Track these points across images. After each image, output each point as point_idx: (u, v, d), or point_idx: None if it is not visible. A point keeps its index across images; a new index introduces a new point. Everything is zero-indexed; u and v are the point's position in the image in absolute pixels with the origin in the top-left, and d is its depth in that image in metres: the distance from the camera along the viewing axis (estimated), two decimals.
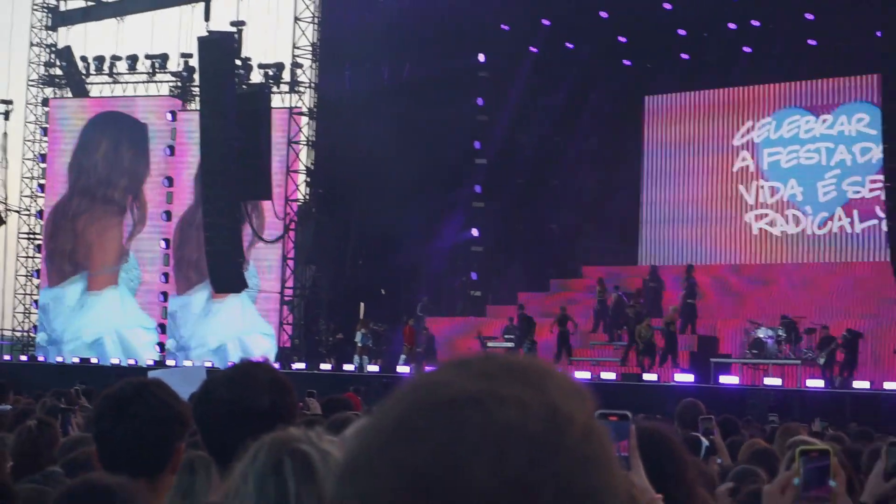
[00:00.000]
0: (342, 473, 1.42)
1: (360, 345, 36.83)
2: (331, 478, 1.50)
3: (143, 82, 46.31)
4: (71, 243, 46.37)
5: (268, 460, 3.12)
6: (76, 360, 43.55)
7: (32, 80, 48.17)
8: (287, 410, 3.84)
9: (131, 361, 41.91)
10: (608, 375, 33.46)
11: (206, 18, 40.56)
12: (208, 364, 38.26)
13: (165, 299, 44.35)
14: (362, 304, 39.63)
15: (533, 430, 1.36)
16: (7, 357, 46.73)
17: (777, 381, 31.08)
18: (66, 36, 48.26)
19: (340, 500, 1.41)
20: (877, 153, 34.06)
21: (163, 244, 44.49)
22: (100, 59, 46.58)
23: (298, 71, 41.74)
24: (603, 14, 39.59)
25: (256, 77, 41.61)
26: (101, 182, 46.04)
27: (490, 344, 36.40)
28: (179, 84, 45.67)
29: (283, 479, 3.08)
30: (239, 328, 42.04)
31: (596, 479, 1.39)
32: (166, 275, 44.38)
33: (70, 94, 47.92)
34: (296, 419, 3.87)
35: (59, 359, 44.49)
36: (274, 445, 3.16)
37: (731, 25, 38.90)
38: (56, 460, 6.67)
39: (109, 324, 44.91)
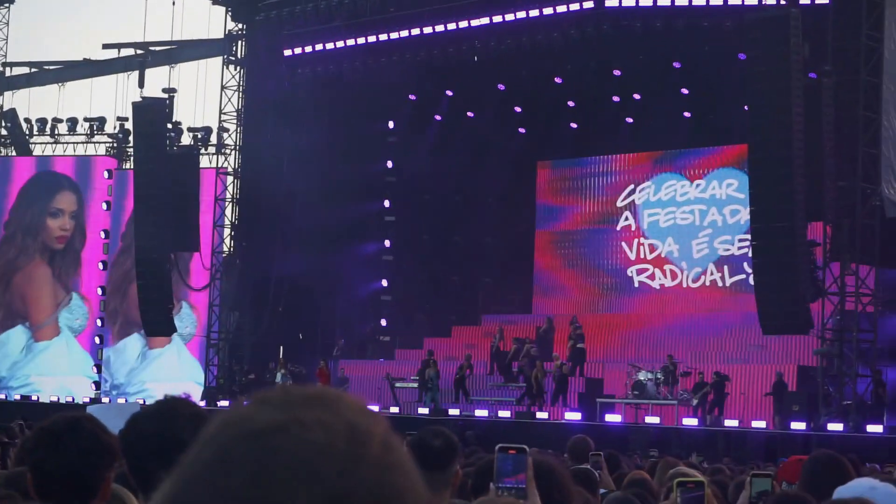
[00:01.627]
0: None
1: (279, 383, 36.57)
2: None
3: (83, 143, 45.99)
4: (7, 294, 45.67)
5: None
6: (17, 396, 42.88)
7: None
8: None
9: (69, 399, 41.34)
10: (504, 414, 33.47)
11: (141, 85, 40.45)
12: (140, 401, 37.77)
13: (102, 342, 43.90)
14: (281, 348, 39.38)
15: (337, 446, 1.37)
16: None
17: (656, 420, 31.24)
18: (11, 99, 47.88)
19: None
20: (744, 215, 34.42)
21: (99, 291, 44.15)
22: (42, 121, 46.18)
23: (225, 134, 41.61)
24: (500, 86, 39.81)
25: (186, 139, 41.45)
26: (34, 231, 45.45)
27: (398, 384, 36.33)
28: (115, 145, 45.42)
29: None
30: (175, 376, 41.62)
31: (400, 483, 1.41)
32: (102, 319, 44.01)
33: (14, 153, 47.45)
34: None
35: (2, 396, 43.78)
36: None
37: (615, 98, 39.27)
38: None
39: (55, 373, 44.17)
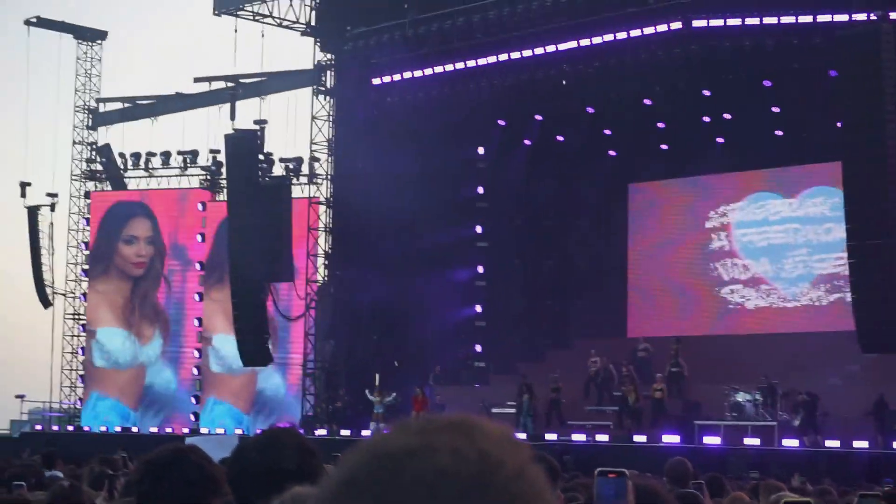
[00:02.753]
0: None
1: (376, 412, 36.63)
2: None
3: (176, 175, 46.54)
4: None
5: None
6: (118, 429, 43.39)
7: (76, 175, 48.50)
8: (313, 472, 3.78)
9: (168, 430, 41.80)
10: (602, 437, 33.30)
11: (232, 118, 40.81)
12: (239, 432, 38.23)
13: (200, 373, 44.30)
14: (377, 375, 39.49)
15: (463, 472, 1.37)
16: (55, 427, 46.71)
17: (756, 441, 30.90)
18: (106, 135, 48.68)
19: None
20: (839, 232, 34.02)
21: (196, 322, 44.56)
22: (136, 156, 46.83)
23: (316, 164, 41.90)
24: (590, 109, 39.73)
25: (278, 170, 41.74)
26: (111, 258, 46.16)
27: (494, 410, 36.23)
28: (208, 177, 45.86)
29: None
30: None
31: None
32: (199, 350, 44.39)
33: (110, 188, 48.12)
34: (321, 480, 3.81)
35: (103, 428, 44.32)
36: (294, 501, 3.12)
37: (706, 118, 39.03)
38: None
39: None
